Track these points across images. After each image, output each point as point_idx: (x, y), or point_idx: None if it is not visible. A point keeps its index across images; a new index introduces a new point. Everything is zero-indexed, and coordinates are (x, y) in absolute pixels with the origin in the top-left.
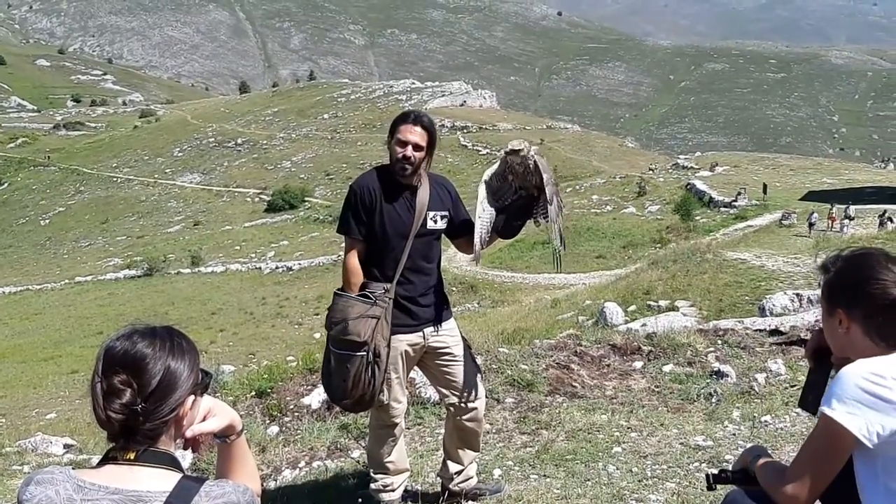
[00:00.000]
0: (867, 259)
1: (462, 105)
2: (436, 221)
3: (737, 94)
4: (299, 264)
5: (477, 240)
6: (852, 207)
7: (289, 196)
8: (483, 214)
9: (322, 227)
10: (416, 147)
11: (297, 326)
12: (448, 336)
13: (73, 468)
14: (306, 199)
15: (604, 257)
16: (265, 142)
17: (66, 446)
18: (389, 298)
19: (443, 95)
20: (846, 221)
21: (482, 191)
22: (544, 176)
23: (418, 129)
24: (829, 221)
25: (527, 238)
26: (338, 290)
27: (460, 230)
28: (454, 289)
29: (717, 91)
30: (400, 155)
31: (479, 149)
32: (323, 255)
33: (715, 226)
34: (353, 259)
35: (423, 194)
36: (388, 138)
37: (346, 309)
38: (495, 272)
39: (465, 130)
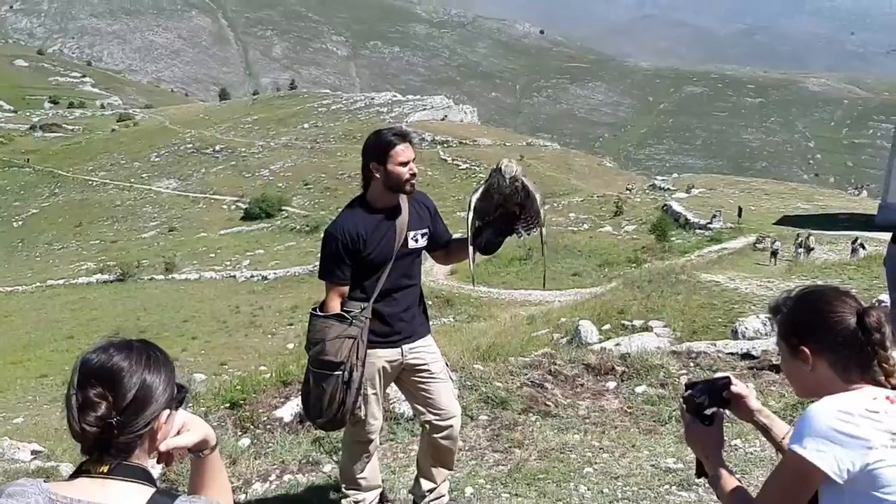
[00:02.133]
0: (821, 295)
1: (443, 119)
2: (416, 240)
3: (715, 118)
4: (274, 274)
5: (472, 261)
6: (812, 237)
7: (266, 205)
8: (472, 239)
9: (299, 237)
10: (413, 161)
11: (270, 337)
12: (426, 353)
13: (44, 480)
14: (283, 208)
15: (580, 275)
16: (244, 149)
17: (33, 452)
18: (366, 318)
19: (424, 109)
20: (800, 251)
21: (470, 216)
22: (536, 196)
23: (407, 143)
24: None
25: (504, 254)
26: (314, 309)
27: (439, 244)
28: (430, 302)
29: (696, 114)
30: (408, 175)
31: (459, 163)
32: (299, 265)
33: (690, 247)
34: (336, 303)
35: (403, 215)
36: (368, 162)
37: (324, 330)
38: (471, 287)
39: (445, 145)
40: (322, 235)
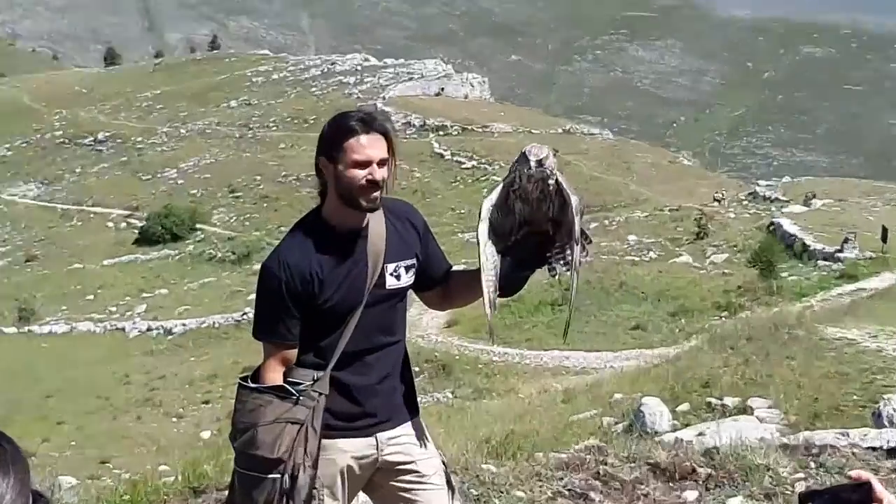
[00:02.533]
0: None
1: (438, 94)
2: (398, 276)
3: (846, 95)
4: (184, 325)
5: (487, 303)
6: None
7: (172, 221)
8: (489, 265)
9: (220, 270)
10: (382, 162)
11: (175, 421)
12: (412, 445)
13: None
14: (198, 226)
15: (642, 329)
16: (140, 139)
17: None
18: (321, 393)
19: (410, 79)
20: None
21: (483, 232)
22: (571, 200)
23: (374, 135)
24: None
25: (528, 295)
26: (244, 379)
27: (433, 280)
28: (418, 369)
29: (817, 88)
30: (364, 180)
31: (462, 160)
32: (220, 313)
33: (809, 287)
34: (278, 372)
35: (377, 240)
36: (320, 159)
37: (257, 410)
38: (480, 345)
39: (441, 132)
40: (258, 272)
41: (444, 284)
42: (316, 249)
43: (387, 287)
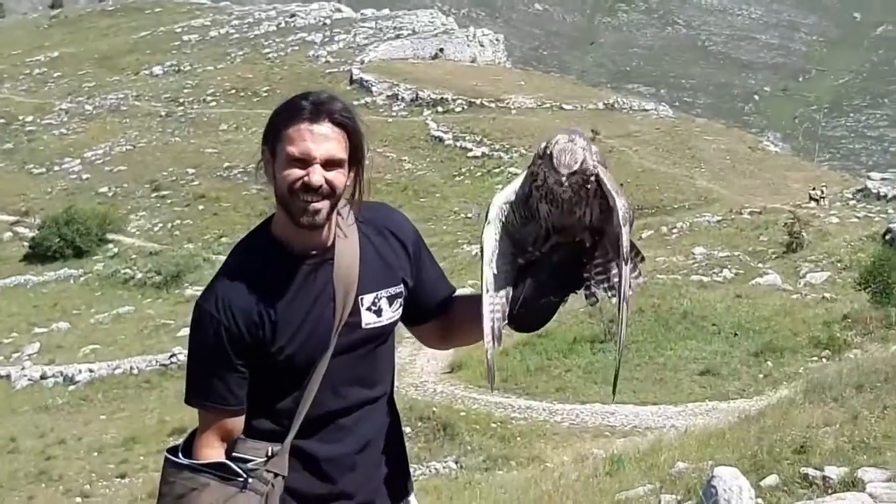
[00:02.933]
0: None
1: (436, 57)
2: (379, 311)
3: None
4: (90, 372)
5: (489, 333)
6: None
7: (75, 230)
8: (493, 286)
9: (141, 296)
10: (330, 163)
11: (79, 502)
12: None
13: None
14: (110, 236)
15: (714, 374)
16: (30, 119)
17: None
18: (276, 474)
19: (397, 36)
20: None
21: (490, 238)
22: (618, 203)
23: (326, 127)
24: None
25: (559, 329)
26: (171, 449)
27: (429, 309)
28: (410, 429)
29: None
30: (296, 184)
31: (468, 146)
32: (140, 355)
33: None
34: (217, 446)
35: (347, 263)
36: (263, 150)
37: (188, 496)
38: (493, 396)
39: (440, 108)
40: (192, 302)
41: (443, 316)
42: (265, 281)
43: (363, 326)
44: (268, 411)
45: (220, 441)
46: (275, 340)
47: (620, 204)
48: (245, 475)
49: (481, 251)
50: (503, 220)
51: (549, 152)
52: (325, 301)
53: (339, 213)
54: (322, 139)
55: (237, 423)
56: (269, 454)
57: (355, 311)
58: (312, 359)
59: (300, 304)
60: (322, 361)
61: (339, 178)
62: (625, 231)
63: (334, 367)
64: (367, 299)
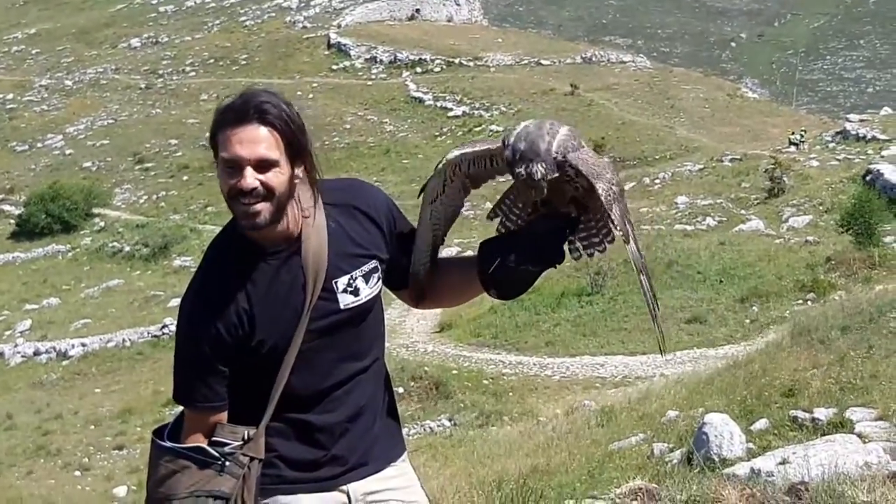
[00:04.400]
0: None
1: (413, 18)
2: (356, 291)
3: None
4: (83, 346)
5: (411, 280)
6: None
7: (61, 206)
8: (424, 230)
9: (129, 268)
10: (262, 164)
11: (79, 475)
12: (395, 497)
13: None
14: (96, 210)
15: (701, 321)
16: (11, 96)
17: None
18: (251, 458)
19: None
20: None
21: (433, 189)
22: (598, 186)
23: (254, 128)
24: None
25: (546, 284)
26: (158, 430)
27: (407, 270)
28: (403, 390)
29: None
30: (232, 189)
31: (449, 105)
32: (131, 328)
33: None
34: (201, 436)
35: (315, 251)
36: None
37: (171, 478)
38: (484, 353)
39: (419, 69)
40: (179, 271)
41: (428, 275)
42: (240, 280)
43: (342, 307)
44: (244, 397)
45: (206, 435)
46: (253, 336)
47: (601, 186)
48: (222, 458)
49: (424, 195)
50: (456, 169)
51: (509, 145)
52: (297, 290)
53: (299, 202)
54: (250, 142)
55: (222, 416)
56: (246, 438)
57: (331, 295)
58: (280, 346)
59: (274, 297)
60: (291, 348)
61: (276, 177)
62: (615, 209)
63: (321, 350)
64: (342, 281)
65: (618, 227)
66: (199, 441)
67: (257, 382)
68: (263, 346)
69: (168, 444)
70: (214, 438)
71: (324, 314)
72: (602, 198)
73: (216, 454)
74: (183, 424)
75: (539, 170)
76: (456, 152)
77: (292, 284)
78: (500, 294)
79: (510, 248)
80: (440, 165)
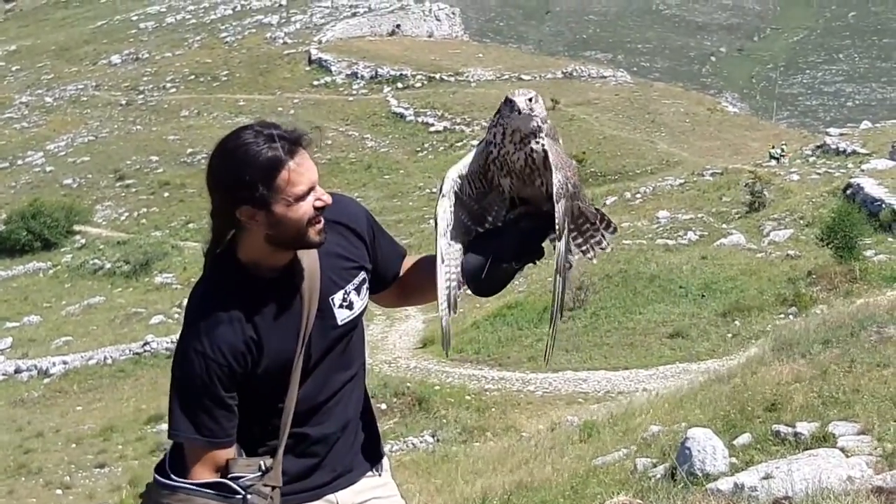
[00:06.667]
0: None
1: (393, 34)
2: (350, 304)
3: None
4: (64, 364)
5: (444, 302)
6: None
7: (42, 223)
8: (449, 254)
9: (111, 285)
10: (315, 184)
11: (60, 493)
12: (381, 500)
13: None
14: (77, 227)
15: (684, 336)
16: None
17: None
18: (273, 487)
19: (353, 15)
20: None
21: (444, 210)
22: (554, 177)
23: (303, 152)
24: None
25: (529, 299)
26: (160, 470)
27: (387, 279)
28: (385, 406)
29: None
30: (311, 213)
31: (430, 121)
32: (112, 345)
33: None
34: (209, 473)
35: (310, 272)
36: (242, 209)
37: None
38: (466, 368)
39: (399, 84)
40: (176, 350)
41: (399, 280)
42: (242, 307)
43: (339, 323)
44: (255, 428)
45: (211, 473)
46: (259, 363)
47: (557, 179)
48: (243, 491)
49: (435, 223)
50: (457, 191)
51: (507, 97)
52: (296, 312)
53: None
54: (309, 165)
55: (226, 454)
56: (263, 468)
57: (329, 313)
58: (284, 367)
59: (277, 321)
60: (295, 370)
61: (324, 193)
62: (561, 204)
63: (324, 368)
64: (338, 298)
65: (556, 223)
66: (207, 475)
67: (263, 408)
68: (269, 371)
69: (181, 481)
70: (232, 474)
71: (322, 333)
72: (554, 188)
73: (237, 488)
74: (185, 464)
75: (541, 113)
76: (453, 172)
77: (291, 307)
78: (479, 291)
79: (493, 246)
80: (444, 187)
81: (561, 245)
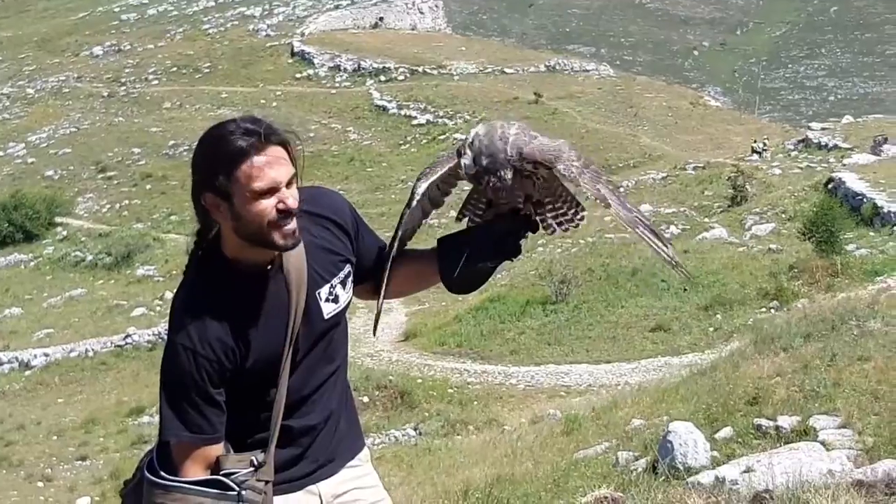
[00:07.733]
0: None
1: (376, 27)
2: (336, 298)
3: None
4: (45, 356)
5: (383, 290)
6: None
7: (23, 215)
8: (397, 253)
9: (92, 277)
10: (290, 182)
11: (41, 485)
12: (363, 494)
13: None
14: (59, 220)
15: (665, 330)
16: None
17: None
18: (266, 482)
19: (336, 7)
20: None
21: (409, 216)
22: (559, 166)
23: (274, 150)
24: None
25: (511, 293)
26: (150, 466)
27: (368, 271)
28: (368, 399)
29: None
30: (272, 214)
31: (413, 114)
32: (94, 338)
33: (885, 263)
34: (200, 471)
35: (296, 267)
36: (205, 196)
37: None
38: (449, 362)
39: (382, 77)
40: (165, 346)
41: (379, 273)
42: (232, 306)
43: (325, 317)
44: (246, 423)
45: (202, 470)
46: (248, 358)
47: (562, 167)
48: (238, 487)
49: (399, 223)
50: (425, 199)
51: (468, 172)
52: (284, 307)
53: None
54: (278, 163)
55: (215, 451)
56: (256, 463)
57: (315, 307)
58: (274, 364)
59: (265, 316)
60: (284, 364)
61: (296, 192)
62: (584, 179)
63: (309, 361)
64: (324, 292)
65: (591, 195)
66: (199, 472)
67: (251, 403)
68: (258, 366)
69: (176, 480)
70: (224, 470)
71: (309, 326)
72: (567, 176)
73: (232, 484)
74: (174, 462)
75: (506, 176)
76: (423, 184)
77: (279, 302)
78: (454, 288)
79: (471, 245)
80: (414, 200)
81: (614, 207)
